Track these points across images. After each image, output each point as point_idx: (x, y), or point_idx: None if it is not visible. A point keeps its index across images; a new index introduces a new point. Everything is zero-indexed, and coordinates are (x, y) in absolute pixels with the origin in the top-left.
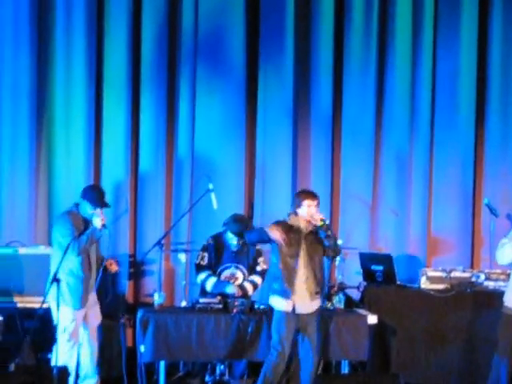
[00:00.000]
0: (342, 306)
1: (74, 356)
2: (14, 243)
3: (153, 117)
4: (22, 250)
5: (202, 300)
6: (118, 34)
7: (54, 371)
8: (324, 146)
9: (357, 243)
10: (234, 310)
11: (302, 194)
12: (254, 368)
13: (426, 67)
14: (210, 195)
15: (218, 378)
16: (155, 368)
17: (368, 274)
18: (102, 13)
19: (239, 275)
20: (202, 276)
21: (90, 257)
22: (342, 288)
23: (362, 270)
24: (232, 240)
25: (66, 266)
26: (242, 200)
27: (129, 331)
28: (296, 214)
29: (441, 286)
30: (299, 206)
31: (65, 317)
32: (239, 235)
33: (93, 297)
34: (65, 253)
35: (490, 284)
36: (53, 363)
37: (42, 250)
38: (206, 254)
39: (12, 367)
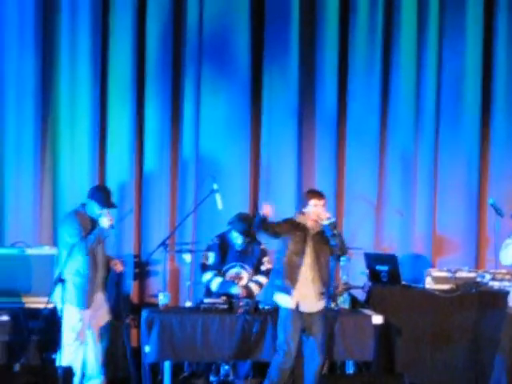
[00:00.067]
0: (347, 306)
1: (80, 356)
2: (19, 244)
3: (157, 117)
4: (27, 251)
5: (206, 300)
6: (123, 34)
7: (59, 371)
8: (329, 147)
9: (362, 243)
10: (239, 311)
11: (308, 194)
12: (259, 368)
13: (430, 67)
14: (215, 195)
15: (222, 378)
16: (160, 368)
17: (373, 275)
18: (106, 13)
19: (244, 275)
20: (207, 276)
21: (97, 257)
22: (347, 288)
23: (367, 271)
24: (237, 239)
25: (73, 265)
26: (246, 200)
27: (133, 331)
28: (303, 213)
29: (446, 287)
30: (306, 205)
31: (72, 316)
32: (244, 234)
33: (100, 296)
34: (70, 253)
35: (495, 284)
36: (59, 363)
37: (46, 250)
38: (211, 254)
39: (17, 367)
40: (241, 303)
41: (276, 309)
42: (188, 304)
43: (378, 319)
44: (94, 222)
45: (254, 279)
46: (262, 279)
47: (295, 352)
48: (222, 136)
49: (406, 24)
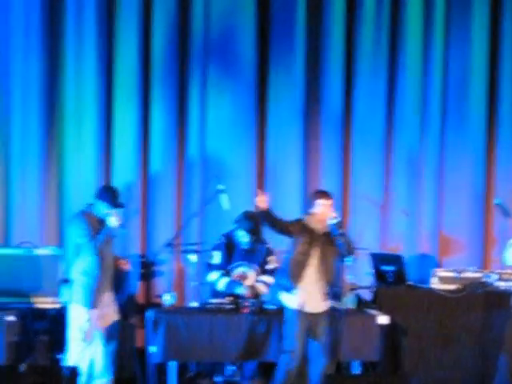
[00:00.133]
0: (353, 306)
1: (87, 356)
2: (25, 244)
3: (163, 117)
4: (33, 251)
5: (212, 300)
6: (129, 35)
7: (65, 371)
8: (334, 147)
9: (367, 243)
10: (245, 311)
11: (316, 194)
12: (265, 369)
13: (436, 67)
14: (221, 196)
15: (228, 378)
16: (166, 368)
17: (379, 275)
18: (112, 13)
19: (250, 274)
20: (213, 275)
21: (105, 257)
22: (353, 288)
23: (372, 271)
24: (243, 238)
25: (81, 265)
26: (252, 201)
27: (139, 332)
28: (311, 214)
29: (452, 287)
30: (313, 205)
31: (79, 316)
32: (250, 233)
33: (108, 296)
34: (77, 253)
35: (502, 284)
36: (65, 363)
37: (52, 250)
38: (217, 253)
39: (23, 367)
40: (247, 303)
41: (282, 309)
42: (194, 304)
43: (384, 319)
44: (101, 222)
45: (260, 279)
46: (269, 279)
47: (301, 352)
48: (228, 136)
49: (412, 23)
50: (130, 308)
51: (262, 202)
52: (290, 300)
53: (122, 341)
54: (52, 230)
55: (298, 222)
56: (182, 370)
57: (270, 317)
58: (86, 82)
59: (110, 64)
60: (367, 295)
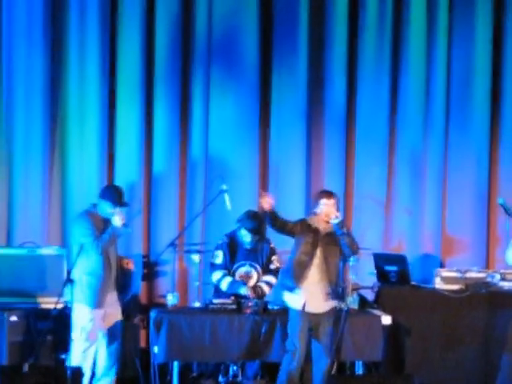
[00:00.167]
0: (356, 306)
1: (91, 356)
2: (28, 244)
3: (166, 117)
4: (36, 251)
5: (215, 301)
6: (132, 34)
7: (68, 372)
8: (338, 147)
9: (370, 243)
10: (248, 311)
11: (319, 194)
12: (268, 369)
13: (440, 66)
14: (224, 196)
15: (231, 378)
16: (168, 369)
17: (382, 275)
18: (115, 11)
19: (253, 274)
20: (216, 275)
21: (110, 256)
22: (355, 288)
23: (375, 271)
24: (246, 237)
25: (87, 265)
26: (255, 201)
27: (142, 332)
28: (315, 214)
29: (455, 287)
30: (317, 205)
31: (83, 316)
32: (253, 232)
33: (113, 295)
34: (79, 253)
35: (505, 284)
36: (69, 363)
37: (55, 250)
38: (220, 253)
39: (26, 367)
40: (249, 303)
41: (285, 309)
42: (197, 304)
43: (387, 320)
44: (106, 222)
45: (263, 280)
46: (272, 279)
47: (303, 353)
48: (231, 136)
49: (415, 22)
50: (132, 308)
51: (265, 202)
52: (293, 300)
53: (125, 341)
54: (55, 230)
55: (302, 221)
56: (185, 370)
57: (273, 317)
58: (89, 80)
59: (113, 63)
60: (370, 295)
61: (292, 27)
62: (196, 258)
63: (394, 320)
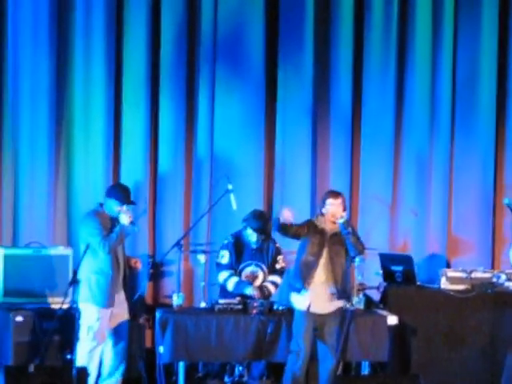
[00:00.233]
0: (361, 306)
1: (97, 355)
2: (34, 244)
3: (172, 117)
4: (42, 251)
5: (221, 301)
6: (137, 33)
7: (74, 372)
8: (343, 146)
9: (376, 244)
10: (254, 311)
11: (326, 194)
12: (273, 369)
13: (446, 67)
14: (229, 196)
15: (237, 378)
16: (174, 369)
17: (388, 275)
18: (121, 12)
19: (259, 274)
20: (223, 275)
21: (118, 256)
22: (361, 289)
23: (381, 271)
24: (251, 237)
25: (95, 264)
26: (261, 200)
27: (148, 332)
28: (322, 214)
29: (461, 287)
30: (323, 205)
31: (90, 316)
32: (259, 231)
33: (120, 295)
34: (85, 252)
35: (511, 284)
36: (75, 363)
37: (61, 250)
38: (226, 253)
39: (31, 368)
40: (255, 304)
41: (290, 309)
42: (202, 304)
43: (392, 320)
44: (113, 221)
45: (269, 279)
46: (277, 279)
47: (307, 353)
48: (237, 135)
49: (421, 23)
50: (138, 308)
51: (288, 217)
52: (299, 301)
53: (131, 341)
54: (61, 230)
55: (309, 222)
56: (191, 370)
57: (279, 317)
58: (95, 81)
59: (119, 63)
60: (376, 295)
61: (298, 25)
62: (202, 258)
63: (399, 320)
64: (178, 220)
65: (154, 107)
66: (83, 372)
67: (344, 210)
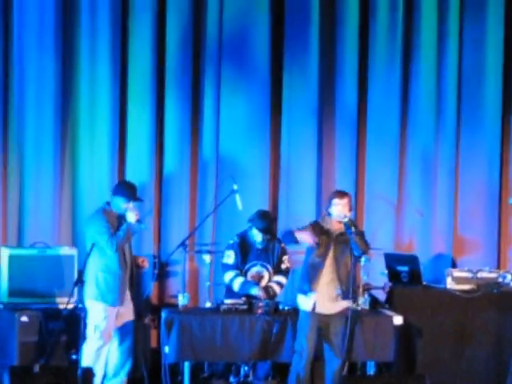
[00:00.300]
0: (367, 306)
1: (104, 354)
2: (39, 244)
3: (177, 118)
4: (47, 251)
5: (226, 301)
6: (143, 35)
7: (79, 372)
8: (349, 146)
9: (382, 243)
10: (259, 311)
11: (332, 193)
12: (279, 369)
13: (451, 66)
14: (235, 196)
15: (242, 379)
16: (179, 369)
17: (393, 275)
18: (126, 13)
19: (265, 274)
20: (229, 275)
21: (125, 254)
22: (367, 289)
23: (387, 271)
24: (257, 237)
25: (103, 262)
26: (266, 201)
27: (153, 332)
28: (329, 214)
29: (467, 287)
30: (330, 205)
31: (97, 314)
32: (264, 231)
33: (127, 294)
34: (91, 251)
35: None
36: (82, 362)
37: (66, 250)
38: (232, 253)
39: (37, 368)
40: (261, 304)
41: (296, 309)
42: (208, 305)
43: (398, 320)
44: (120, 219)
45: (275, 280)
46: (282, 279)
47: (311, 353)
48: (242, 136)
49: (426, 22)
50: (144, 308)
51: (309, 240)
52: (305, 301)
53: (136, 341)
54: (66, 230)
55: (315, 224)
56: (196, 370)
57: (284, 317)
58: (100, 83)
59: (124, 64)
60: (381, 295)
61: (303, 26)
62: (207, 258)
63: (405, 320)
64: (183, 220)
65: (160, 108)
66: (88, 372)
67: (350, 210)
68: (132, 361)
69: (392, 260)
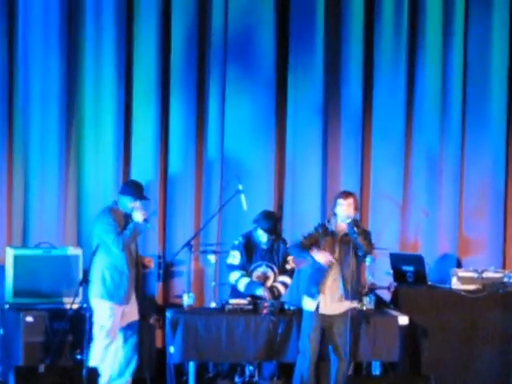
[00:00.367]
0: (372, 306)
1: (111, 353)
2: (44, 244)
3: (182, 117)
4: (52, 251)
5: (231, 301)
6: (148, 34)
7: (84, 372)
8: (354, 146)
9: (387, 243)
10: (264, 311)
11: (337, 194)
12: (284, 369)
13: (456, 65)
14: (240, 196)
15: (247, 379)
16: (184, 369)
17: (398, 275)
18: (131, 13)
19: (270, 274)
20: (234, 276)
21: (132, 253)
22: (372, 289)
23: (392, 271)
24: (262, 237)
25: (109, 261)
26: (271, 201)
27: (158, 332)
28: (335, 214)
29: (472, 287)
30: (335, 205)
31: (102, 313)
32: (269, 232)
33: (132, 294)
34: (96, 249)
35: None
36: (86, 363)
37: (71, 250)
38: (237, 253)
39: (42, 368)
40: (266, 304)
41: (301, 310)
42: (213, 305)
43: (403, 320)
44: (127, 218)
45: (280, 280)
46: (287, 279)
47: (315, 353)
48: (247, 136)
49: (432, 21)
50: (148, 308)
51: (325, 260)
52: (309, 302)
53: (141, 341)
54: (71, 230)
55: (320, 227)
56: (201, 370)
57: (290, 317)
58: (105, 82)
59: (129, 65)
60: (386, 295)
61: (308, 25)
62: (212, 258)
63: (410, 320)
64: (188, 220)
65: (165, 108)
66: (94, 372)
67: (355, 210)
68: (137, 361)
69: (397, 260)
